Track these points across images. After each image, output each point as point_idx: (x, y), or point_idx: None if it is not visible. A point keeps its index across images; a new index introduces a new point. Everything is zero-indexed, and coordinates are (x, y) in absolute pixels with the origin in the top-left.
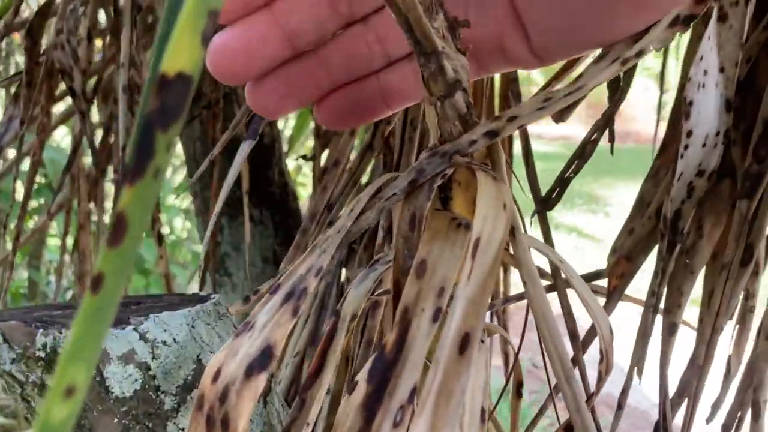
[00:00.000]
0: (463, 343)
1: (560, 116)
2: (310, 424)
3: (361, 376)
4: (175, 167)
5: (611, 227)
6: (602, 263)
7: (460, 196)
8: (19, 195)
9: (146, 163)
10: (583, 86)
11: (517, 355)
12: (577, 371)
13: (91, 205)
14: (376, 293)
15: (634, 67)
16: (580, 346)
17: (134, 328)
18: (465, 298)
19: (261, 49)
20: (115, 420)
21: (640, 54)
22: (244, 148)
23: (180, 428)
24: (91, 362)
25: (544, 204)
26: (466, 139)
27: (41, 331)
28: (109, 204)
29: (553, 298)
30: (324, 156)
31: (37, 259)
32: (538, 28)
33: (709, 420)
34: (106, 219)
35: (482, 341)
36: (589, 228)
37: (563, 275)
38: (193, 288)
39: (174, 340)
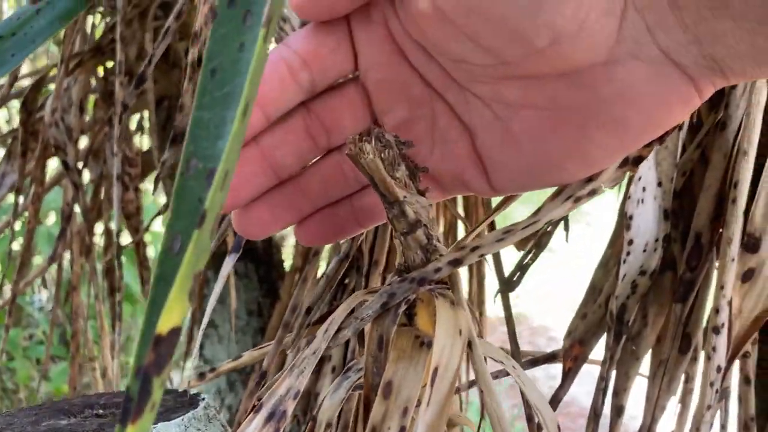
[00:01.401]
0: None
1: (522, 245)
2: None
3: None
4: (159, 191)
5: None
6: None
7: (423, 313)
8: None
9: (144, 404)
10: (538, 221)
11: None
12: None
13: (82, 259)
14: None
15: None
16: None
17: None
18: (425, 423)
19: (249, 180)
20: None
21: (592, 193)
22: (229, 262)
23: None
24: None
25: (507, 285)
26: (432, 267)
27: None
28: (97, 259)
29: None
30: None
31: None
32: (496, 168)
33: None
34: (98, 268)
35: None
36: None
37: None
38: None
39: None
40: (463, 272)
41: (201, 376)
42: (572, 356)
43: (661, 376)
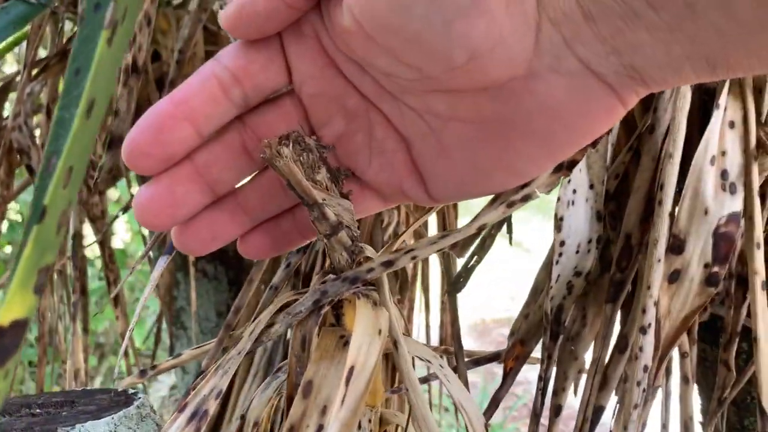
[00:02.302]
0: None
1: (460, 250)
2: None
3: None
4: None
5: None
6: None
7: (350, 313)
8: None
9: None
10: (474, 225)
11: None
12: None
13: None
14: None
15: None
16: None
17: None
18: (339, 421)
19: (184, 199)
20: None
21: (525, 198)
22: (161, 263)
23: None
24: None
25: (454, 286)
26: (365, 267)
27: None
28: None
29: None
30: None
31: None
32: (432, 178)
33: None
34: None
35: None
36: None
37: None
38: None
39: None
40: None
41: (142, 373)
42: (514, 356)
43: (593, 376)
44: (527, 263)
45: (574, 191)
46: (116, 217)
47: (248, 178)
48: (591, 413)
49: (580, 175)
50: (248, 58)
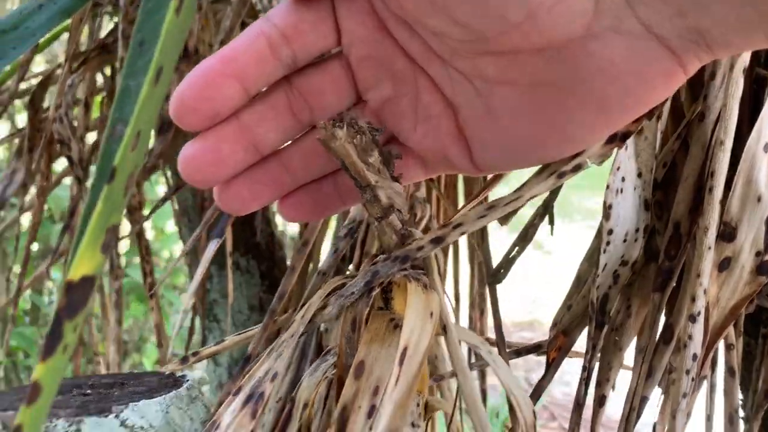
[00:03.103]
0: None
1: (504, 220)
2: None
3: None
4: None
5: None
6: None
7: (399, 298)
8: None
9: (56, 345)
10: (522, 196)
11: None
12: None
13: None
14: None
15: None
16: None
17: (116, 416)
18: (392, 401)
19: (229, 157)
20: None
21: (576, 168)
22: (211, 248)
23: None
24: None
25: (494, 277)
26: (415, 246)
27: None
28: None
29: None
30: None
31: (40, 283)
32: (478, 146)
33: None
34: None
35: (417, 425)
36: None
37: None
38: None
39: (150, 425)
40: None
41: (184, 359)
42: (556, 347)
43: (640, 365)
44: (549, 265)
45: (623, 179)
46: (155, 208)
47: (291, 141)
48: (637, 403)
49: (628, 162)
50: (299, 16)
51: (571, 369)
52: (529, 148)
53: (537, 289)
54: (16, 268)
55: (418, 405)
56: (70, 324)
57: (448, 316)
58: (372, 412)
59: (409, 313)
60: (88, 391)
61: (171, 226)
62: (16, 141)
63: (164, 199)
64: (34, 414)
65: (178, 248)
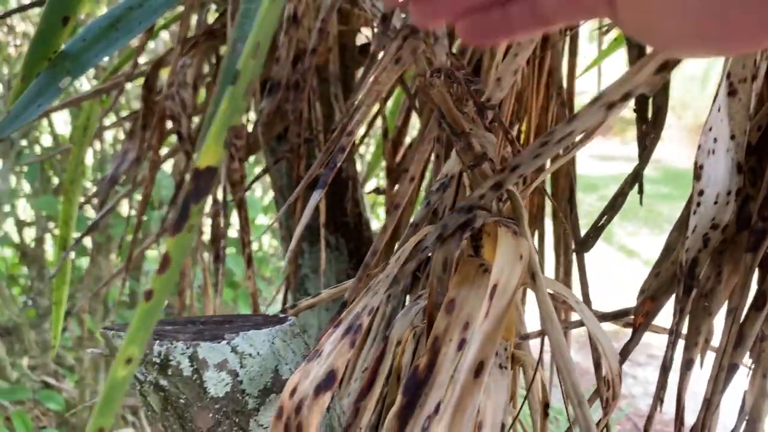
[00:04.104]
0: (478, 369)
1: (604, 132)
2: (363, 428)
3: (399, 391)
4: (265, 187)
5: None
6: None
7: (489, 245)
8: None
9: (183, 223)
10: (574, 129)
11: (535, 378)
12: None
13: None
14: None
15: None
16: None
17: (227, 343)
18: (482, 332)
19: None
20: (210, 415)
21: (625, 98)
22: (316, 196)
23: (259, 424)
24: (142, 345)
25: (582, 245)
26: (476, 194)
27: (157, 342)
28: (206, 229)
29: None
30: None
31: (138, 270)
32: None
33: None
34: (205, 239)
35: (504, 367)
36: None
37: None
38: (277, 302)
39: (258, 353)
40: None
41: (283, 312)
42: (643, 312)
43: (729, 329)
44: (639, 271)
45: (715, 140)
46: (255, 179)
47: None
48: (726, 370)
49: (721, 124)
50: None
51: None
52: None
53: (626, 294)
54: (112, 257)
55: (506, 349)
56: (196, 207)
57: (536, 265)
58: (462, 345)
59: (500, 254)
60: (200, 326)
61: (260, 219)
62: (127, 125)
63: (265, 170)
64: (163, 281)
65: (266, 240)
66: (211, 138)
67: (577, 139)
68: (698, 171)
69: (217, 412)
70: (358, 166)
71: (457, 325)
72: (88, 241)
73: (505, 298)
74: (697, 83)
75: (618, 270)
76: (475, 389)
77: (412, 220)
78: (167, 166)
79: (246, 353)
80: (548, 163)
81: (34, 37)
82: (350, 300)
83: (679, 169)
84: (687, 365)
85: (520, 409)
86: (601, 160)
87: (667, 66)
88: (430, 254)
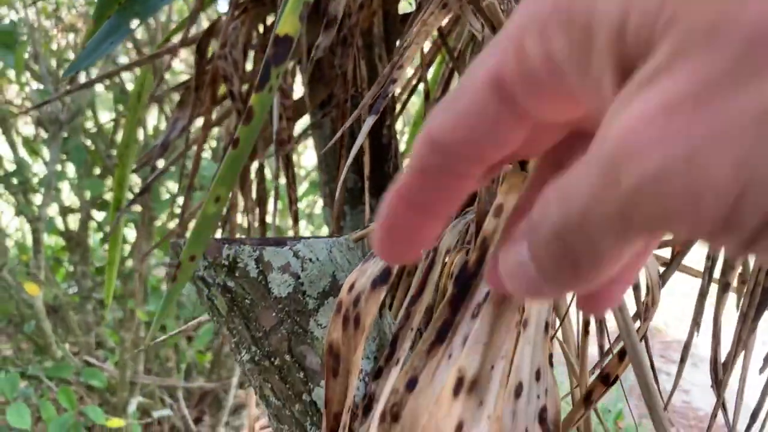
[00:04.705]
0: None
1: None
2: (413, 329)
3: (450, 282)
4: (299, 178)
5: None
6: None
7: (534, 164)
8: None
9: (265, 84)
10: None
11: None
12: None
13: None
14: (467, 241)
15: None
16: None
17: (290, 248)
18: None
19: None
20: (273, 314)
21: None
22: (369, 122)
23: (318, 323)
24: (230, 185)
25: None
26: None
27: (226, 245)
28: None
29: None
30: None
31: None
32: None
33: (762, 370)
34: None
35: None
36: None
37: None
38: None
39: (317, 258)
40: None
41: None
42: (681, 241)
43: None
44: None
45: None
46: (299, 138)
47: None
48: (758, 296)
49: None
50: None
51: (691, 378)
52: None
53: (663, 300)
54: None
55: None
56: (276, 70)
57: None
58: None
59: None
60: (286, 243)
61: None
62: (176, 95)
63: (312, 125)
64: (247, 131)
65: (302, 225)
66: (288, 11)
67: None
68: None
69: (279, 312)
70: (399, 126)
71: (504, 226)
72: (129, 233)
73: None
74: None
75: None
76: None
77: None
78: (207, 154)
79: (307, 258)
80: None
81: None
82: None
83: None
84: (724, 288)
85: (563, 320)
86: None
87: None
88: None
